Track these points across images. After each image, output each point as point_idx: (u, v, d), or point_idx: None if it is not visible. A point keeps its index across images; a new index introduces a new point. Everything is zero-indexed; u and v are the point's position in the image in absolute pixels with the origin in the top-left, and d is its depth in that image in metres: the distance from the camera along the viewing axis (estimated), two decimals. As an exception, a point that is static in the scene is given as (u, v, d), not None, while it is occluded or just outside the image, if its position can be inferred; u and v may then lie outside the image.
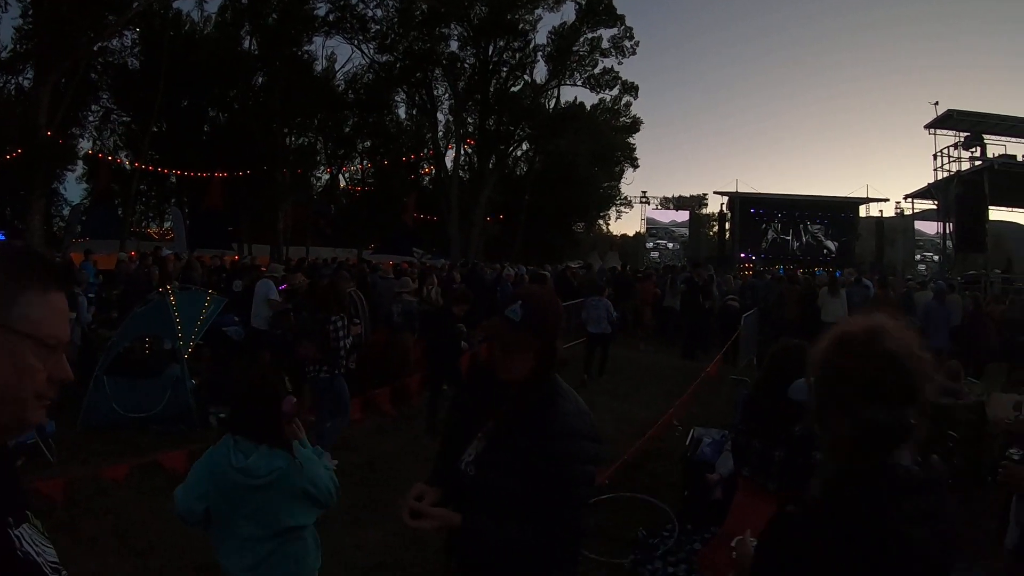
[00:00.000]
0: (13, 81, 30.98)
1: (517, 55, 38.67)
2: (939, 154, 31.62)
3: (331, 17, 36.39)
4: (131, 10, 27.89)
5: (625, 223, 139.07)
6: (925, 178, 34.24)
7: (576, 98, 44.83)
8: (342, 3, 35.84)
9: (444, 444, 2.70)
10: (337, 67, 41.06)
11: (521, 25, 37.63)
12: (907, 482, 1.65)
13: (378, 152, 42.07)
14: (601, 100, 44.28)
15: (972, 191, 28.90)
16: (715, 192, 44.46)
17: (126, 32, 31.50)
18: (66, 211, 36.29)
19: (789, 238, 42.36)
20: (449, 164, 40.05)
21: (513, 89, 40.36)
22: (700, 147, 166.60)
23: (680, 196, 50.12)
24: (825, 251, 41.99)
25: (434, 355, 9.68)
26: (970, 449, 7.78)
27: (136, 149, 34.24)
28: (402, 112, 43.34)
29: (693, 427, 7.85)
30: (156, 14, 32.79)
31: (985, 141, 29.93)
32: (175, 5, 35.56)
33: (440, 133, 40.51)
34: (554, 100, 42.17)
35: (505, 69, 39.23)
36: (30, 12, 26.87)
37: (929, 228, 39.77)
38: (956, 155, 30.80)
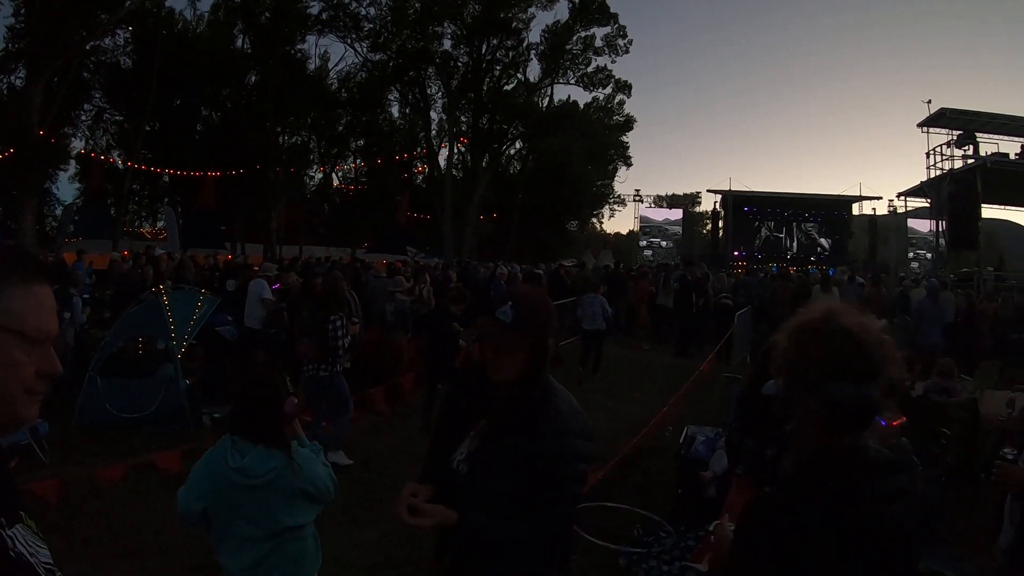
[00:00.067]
0: (5, 80, 31.06)
1: (510, 53, 38.69)
2: (932, 152, 31.73)
3: (324, 16, 36.45)
4: (123, 9, 27.85)
5: (618, 221, 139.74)
6: (918, 176, 34.43)
7: (569, 96, 44.91)
8: (335, 2, 35.88)
9: (435, 443, 2.71)
10: (330, 66, 41.27)
11: (514, 23, 37.62)
12: (877, 462, 1.70)
13: (371, 151, 42.12)
14: (594, 98, 44.45)
15: (965, 189, 28.99)
16: (708, 190, 44.53)
17: (118, 31, 31.55)
18: (59, 211, 36.23)
19: (782, 236, 42.44)
20: (442, 163, 40.12)
21: (506, 88, 40.45)
22: (693, 145, 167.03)
23: (673, 194, 50.31)
24: (819, 249, 42.07)
25: (432, 354, 9.68)
26: (963, 446, 7.81)
27: (129, 148, 34.25)
28: (395, 111, 43.53)
29: (687, 425, 7.85)
30: (149, 13, 32.77)
31: (978, 139, 30.06)
32: (168, 4, 35.70)
33: (433, 132, 40.60)
34: (547, 99, 42.27)
35: (498, 68, 39.25)
36: (22, 11, 26.82)
37: (922, 226, 39.90)
38: (949, 153, 30.93)
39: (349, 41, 37.66)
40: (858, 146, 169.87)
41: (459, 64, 38.47)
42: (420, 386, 11.09)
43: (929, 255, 38.44)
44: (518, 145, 43.39)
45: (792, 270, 32.29)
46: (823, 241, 42.27)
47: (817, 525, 1.62)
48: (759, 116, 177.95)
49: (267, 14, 35.55)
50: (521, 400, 2.33)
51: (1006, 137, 30.27)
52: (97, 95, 35.22)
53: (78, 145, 36.24)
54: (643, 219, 45.90)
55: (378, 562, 5.57)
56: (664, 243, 44.94)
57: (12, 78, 30.32)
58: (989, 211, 33.41)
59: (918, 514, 1.73)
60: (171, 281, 13.70)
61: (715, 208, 44.74)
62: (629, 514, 6.45)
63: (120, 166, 34.80)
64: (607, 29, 37.90)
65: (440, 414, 5.59)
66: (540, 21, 76.77)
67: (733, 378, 11.21)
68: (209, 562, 5.03)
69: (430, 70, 38.14)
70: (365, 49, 37.88)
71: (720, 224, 44.14)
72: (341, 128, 41.86)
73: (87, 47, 28.94)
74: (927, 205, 35.60)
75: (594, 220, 57.91)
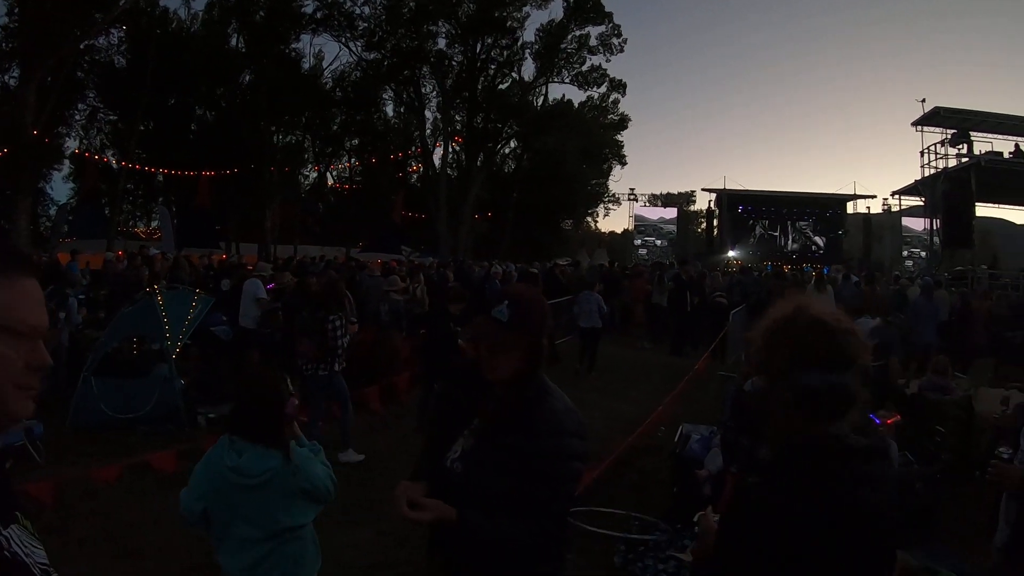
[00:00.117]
0: (-1, 80, 30.86)
1: (505, 52, 38.69)
2: (926, 151, 31.85)
3: (319, 15, 36.43)
4: (117, 7, 27.80)
5: (613, 220, 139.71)
6: (912, 175, 34.43)
7: (564, 95, 44.84)
8: (329, 1, 35.80)
9: (428, 441, 2.71)
10: (325, 65, 41.20)
11: (509, 22, 37.64)
12: (855, 449, 1.74)
13: (366, 150, 42.13)
14: (589, 97, 44.52)
15: (959, 188, 29.10)
16: (703, 189, 44.65)
17: (112, 30, 31.48)
18: (53, 211, 36.21)
19: (777, 234, 42.51)
20: (437, 162, 40.15)
21: (501, 87, 40.47)
22: (688, 144, 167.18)
23: (668, 193, 50.35)
24: (813, 247, 42.14)
25: (430, 354, 9.67)
26: (958, 444, 7.83)
27: (123, 148, 34.16)
28: (390, 110, 43.53)
29: (682, 424, 7.86)
30: (143, 12, 32.73)
31: (972, 138, 30.15)
32: (162, 3, 35.68)
33: (428, 131, 40.51)
34: (542, 97, 42.34)
35: (493, 67, 39.23)
36: (15, 10, 26.73)
37: (916, 224, 39.99)
38: (943, 152, 31.05)
39: (344, 40, 37.68)
40: (852, 144, 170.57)
41: (454, 63, 38.45)
42: (415, 386, 11.09)
43: (923, 253, 38.52)
44: (513, 144, 43.45)
45: (787, 268, 32.40)
46: (818, 239, 42.37)
47: (799, 511, 1.65)
48: (754, 115, 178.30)
49: (261, 13, 35.50)
50: (517, 399, 2.33)
51: (1000, 136, 30.39)
52: (91, 94, 35.22)
53: (72, 145, 36.36)
54: (638, 218, 46.01)
55: (375, 562, 5.57)
56: (659, 242, 45.03)
57: (6, 77, 30.25)
58: (983, 210, 33.59)
59: (896, 500, 1.77)
60: (166, 281, 13.67)
61: (710, 207, 44.87)
62: (625, 517, 6.46)
63: (114, 166, 34.80)
64: (602, 28, 37.99)
65: (433, 413, 5.59)
66: (535, 20, 77.06)
67: (728, 377, 11.21)
68: (206, 562, 5.02)
69: (425, 69, 38.12)
70: (360, 48, 37.92)
71: (715, 223, 44.22)
72: (336, 127, 41.87)
73: (81, 46, 28.86)
74: (921, 204, 35.70)
75: (589, 219, 58.14)
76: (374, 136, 42.26)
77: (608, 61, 39.33)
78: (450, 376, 8.98)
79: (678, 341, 17.00)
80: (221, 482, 3.11)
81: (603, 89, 41.53)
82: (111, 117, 36.69)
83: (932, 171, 31.54)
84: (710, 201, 44.27)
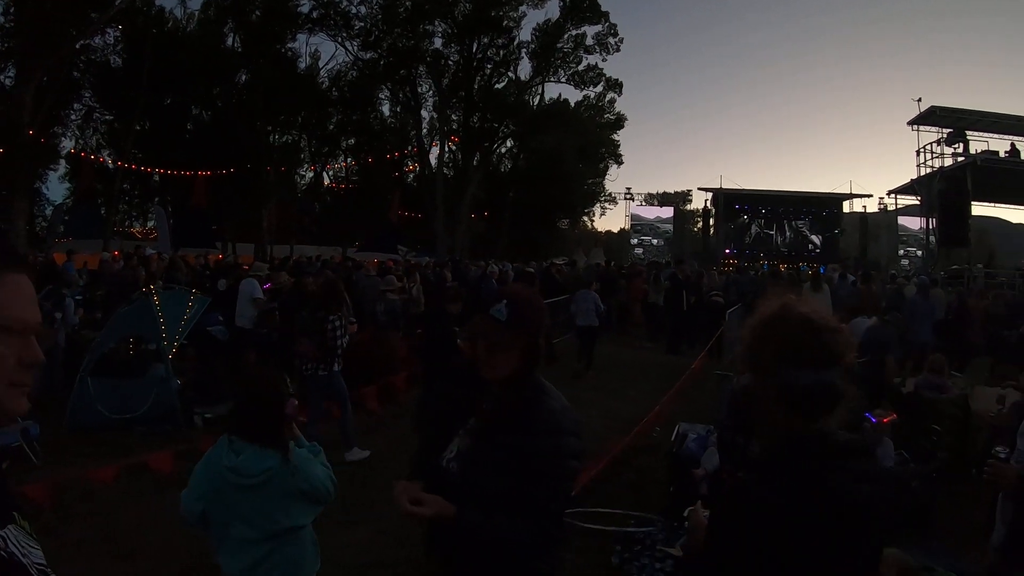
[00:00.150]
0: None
1: (501, 52, 38.74)
2: (922, 150, 31.92)
3: (315, 14, 36.48)
4: (114, 7, 27.75)
5: (610, 219, 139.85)
6: (908, 174, 34.50)
7: (560, 95, 44.89)
8: (326, 0, 35.73)
9: (423, 441, 2.71)
10: (321, 64, 41.23)
11: (505, 22, 37.67)
12: (843, 445, 1.77)
13: (362, 150, 42.12)
14: (585, 97, 44.54)
15: (955, 187, 29.15)
16: (699, 188, 44.76)
17: (108, 30, 31.41)
18: (49, 211, 36.12)
19: (773, 233, 42.57)
20: (433, 161, 40.05)
21: (497, 86, 40.51)
22: (684, 143, 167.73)
23: (664, 192, 50.22)
24: (810, 246, 42.20)
25: (429, 354, 9.66)
26: (954, 442, 7.85)
27: (119, 148, 34.11)
28: (386, 109, 43.52)
29: (679, 423, 7.86)
30: (139, 11, 32.72)
31: (968, 137, 30.21)
32: (158, 2, 35.64)
33: (424, 130, 40.59)
34: (538, 97, 42.38)
35: (489, 66, 39.28)
36: (12, 10, 26.68)
37: (912, 223, 40.11)
38: (939, 151, 31.12)
39: (340, 40, 37.72)
40: (849, 144, 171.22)
41: (450, 63, 38.51)
42: (412, 385, 11.08)
43: (920, 252, 38.63)
44: (509, 143, 43.54)
45: (783, 267, 32.44)
46: (814, 238, 42.43)
47: (789, 506, 1.67)
48: (750, 114, 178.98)
49: (258, 12, 35.52)
50: (515, 398, 2.34)
51: (996, 135, 30.46)
52: (87, 94, 35.19)
53: (68, 145, 36.26)
54: (634, 217, 46.08)
55: (372, 562, 5.56)
56: (655, 241, 45.13)
57: (2, 77, 30.17)
58: (979, 209, 33.68)
59: (886, 495, 1.80)
60: (162, 281, 13.65)
61: (706, 206, 44.90)
62: (623, 517, 6.46)
63: (110, 165, 34.74)
64: (598, 27, 38.09)
65: (427, 413, 5.59)
66: (531, 19, 76.81)
67: (724, 376, 11.21)
68: (203, 563, 5.02)
69: (421, 69, 38.15)
70: (356, 48, 37.96)
71: (711, 222, 44.28)
72: (332, 127, 41.86)
73: (77, 46, 28.81)
74: (917, 203, 35.81)
75: (585, 218, 58.14)
76: (370, 136, 42.24)
77: (604, 60, 39.49)
78: (450, 376, 9.00)
79: (674, 340, 17.01)
80: (220, 482, 3.10)
81: (599, 88, 41.74)
82: (107, 117, 36.68)
83: (928, 170, 31.62)
84: (706, 200, 44.43)
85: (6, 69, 29.20)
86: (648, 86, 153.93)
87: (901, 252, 41.95)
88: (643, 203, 47.44)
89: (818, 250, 41.56)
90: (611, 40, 38.23)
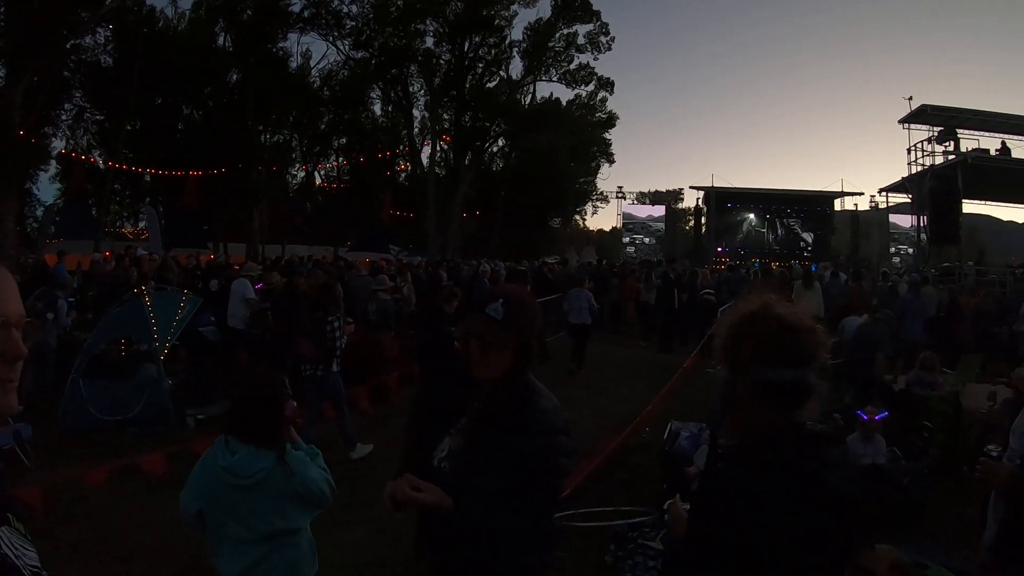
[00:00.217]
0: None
1: (493, 51, 38.70)
2: (913, 148, 31.92)
3: (306, 13, 36.37)
4: (104, 7, 27.62)
5: (601, 218, 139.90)
6: (899, 172, 34.51)
7: (552, 94, 44.84)
8: (317, -1, 35.67)
9: (412, 441, 2.72)
10: (312, 64, 41.07)
11: (497, 21, 37.64)
12: (815, 435, 1.87)
13: (354, 149, 42.06)
14: (577, 96, 44.44)
15: (946, 185, 29.17)
16: (691, 187, 44.78)
17: (99, 29, 31.24)
18: (39, 212, 35.95)
19: (764, 231, 42.64)
20: (425, 160, 40.13)
21: (489, 85, 40.47)
22: (676, 142, 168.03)
23: (656, 191, 50.26)
24: (802, 244, 42.26)
25: (426, 354, 9.64)
26: (946, 439, 7.88)
27: (110, 148, 33.98)
28: (378, 109, 43.38)
29: (671, 421, 7.88)
30: (130, 11, 32.56)
31: (958, 135, 30.23)
32: (148, 2, 35.43)
33: (416, 129, 40.63)
34: (530, 96, 42.38)
35: (481, 65, 39.23)
36: (2, 9, 26.53)
37: (903, 221, 40.17)
38: (930, 149, 31.12)
39: (331, 39, 37.66)
40: (840, 142, 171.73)
41: (441, 62, 38.45)
42: (404, 386, 11.08)
43: (911, 250, 38.67)
44: (501, 142, 43.51)
45: (775, 265, 32.49)
46: (806, 236, 42.50)
47: (766, 493, 1.73)
48: (741, 113, 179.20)
49: (249, 12, 35.43)
50: (506, 398, 2.35)
51: (986, 133, 30.50)
52: (78, 94, 34.95)
53: (58, 145, 36.05)
54: (626, 216, 46.11)
55: (366, 562, 5.56)
56: (647, 240, 45.15)
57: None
58: (970, 206, 33.70)
59: (858, 480, 1.88)
60: (154, 282, 13.60)
61: (698, 204, 44.97)
62: (614, 513, 6.47)
63: (101, 166, 34.57)
64: (589, 26, 38.03)
65: (414, 413, 5.59)
66: (522, 18, 77.03)
67: (716, 373, 11.24)
68: (196, 565, 5.02)
69: (412, 68, 38.10)
70: (347, 47, 37.91)
71: (703, 220, 44.31)
72: (323, 126, 41.81)
73: (68, 45, 28.67)
74: (908, 201, 35.84)
75: (577, 217, 58.05)
76: (362, 135, 42.15)
77: (596, 59, 39.42)
78: (446, 376, 9.00)
79: (666, 339, 17.04)
80: (215, 482, 3.11)
81: (591, 87, 41.58)
82: (98, 117, 36.46)
83: (919, 168, 31.63)
84: (698, 199, 44.47)
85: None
86: (640, 85, 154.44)
87: (892, 250, 41.98)
88: (635, 202, 47.47)
89: (810, 248, 41.63)
90: (603, 39, 38.25)
